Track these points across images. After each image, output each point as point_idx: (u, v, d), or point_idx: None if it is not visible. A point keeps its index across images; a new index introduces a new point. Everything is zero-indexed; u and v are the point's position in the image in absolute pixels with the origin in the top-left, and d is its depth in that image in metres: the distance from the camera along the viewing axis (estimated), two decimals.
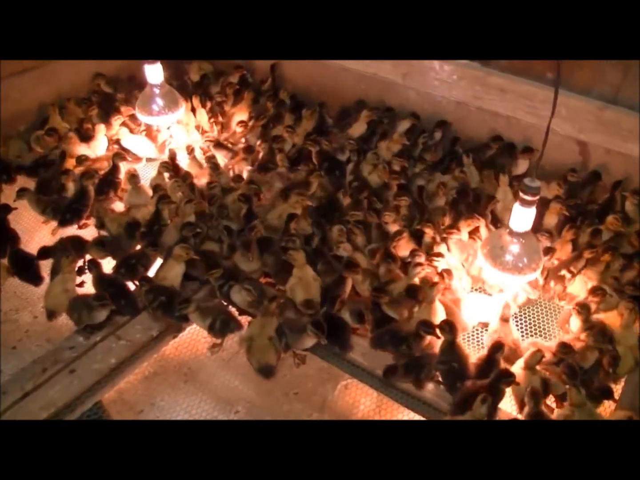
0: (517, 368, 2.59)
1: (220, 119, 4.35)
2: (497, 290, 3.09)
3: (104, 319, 2.83)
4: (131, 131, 4.21)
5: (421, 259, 3.00)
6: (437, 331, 2.61)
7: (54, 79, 4.31)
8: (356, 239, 3.23)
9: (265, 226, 3.29)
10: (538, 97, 3.58)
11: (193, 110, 4.42)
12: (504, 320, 2.79)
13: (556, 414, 2.50)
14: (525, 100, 3.66)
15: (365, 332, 2.83)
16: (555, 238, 3.26)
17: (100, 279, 2.99)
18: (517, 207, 2.69)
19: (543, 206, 3.23)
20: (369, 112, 4.13)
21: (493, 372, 2.51)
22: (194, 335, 3.12)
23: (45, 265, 3.20)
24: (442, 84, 3.97)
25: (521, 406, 2.52)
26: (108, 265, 3.19)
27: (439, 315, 2.77)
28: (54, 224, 3.56)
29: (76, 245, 3.16)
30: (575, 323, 2.81)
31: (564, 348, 2.60)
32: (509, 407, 2.63)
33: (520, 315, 3.10)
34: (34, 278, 3.16)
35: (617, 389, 2.67)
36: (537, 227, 3.11)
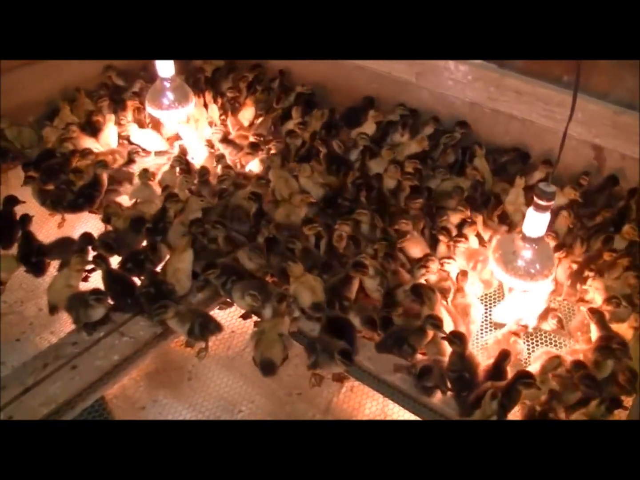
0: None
1: (230, 115, 4.31)
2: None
3: (101, 316, 2.75)
4: (140, 125, 4.17)
5: (434, 263, 2.93)
6: (447, 338, 2.54)
7: (64, 69, 4.25)
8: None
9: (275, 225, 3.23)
10: (554, 100, 3.51)
11: (205, 105, 4.38)
12: (516, 334, 2.71)
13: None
14: (541, 103, 3.59)
15: (371, 336, 2.75)
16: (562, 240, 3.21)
17: (109, 275, 2.94)
18: (531, 212, 2.64)
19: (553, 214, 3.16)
20: (376, 112, 4.08)
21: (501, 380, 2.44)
22: None
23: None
24: (457, 84, 3.91)
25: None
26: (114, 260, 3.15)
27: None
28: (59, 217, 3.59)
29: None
30: (594, 331, 2.71)
31: (577, 367, 2.48)
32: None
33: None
34: (37, 270, 3.15)
35: (628, 400, 2.61)
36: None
